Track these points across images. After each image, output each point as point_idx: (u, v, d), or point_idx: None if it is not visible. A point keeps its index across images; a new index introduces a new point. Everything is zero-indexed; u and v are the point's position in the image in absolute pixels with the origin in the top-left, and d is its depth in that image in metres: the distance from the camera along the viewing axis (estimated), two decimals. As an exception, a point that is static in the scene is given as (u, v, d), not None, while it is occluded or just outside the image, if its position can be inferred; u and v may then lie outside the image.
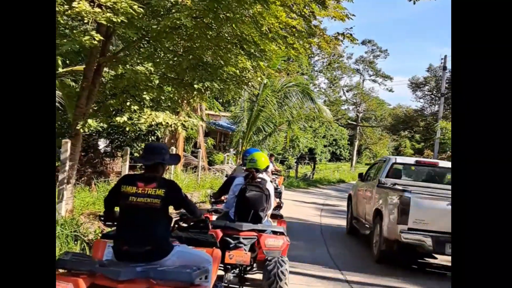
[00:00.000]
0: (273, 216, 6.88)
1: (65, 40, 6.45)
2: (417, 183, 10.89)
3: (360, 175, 12.81)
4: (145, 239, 3.85)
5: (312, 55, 53.88)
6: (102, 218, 4.43)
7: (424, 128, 48.51)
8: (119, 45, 10.98)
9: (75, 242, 6.94)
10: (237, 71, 9.23)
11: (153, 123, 8.08)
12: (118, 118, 7.94)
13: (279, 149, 38.46)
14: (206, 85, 8.63)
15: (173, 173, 16.02)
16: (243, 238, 5.71)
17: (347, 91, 70.85)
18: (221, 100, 30.07)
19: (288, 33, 9.11)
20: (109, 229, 4.66)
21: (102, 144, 17.41)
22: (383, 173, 10.75)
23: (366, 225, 10.75)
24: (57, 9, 5.91)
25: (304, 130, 41.44)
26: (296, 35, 9.19)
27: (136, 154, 15.45)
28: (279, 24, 8.60)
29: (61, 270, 3.61)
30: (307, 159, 49.24)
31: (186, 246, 4.25)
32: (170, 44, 8.69)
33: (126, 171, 10.99)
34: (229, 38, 8.42)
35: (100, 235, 7.04)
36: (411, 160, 12.57)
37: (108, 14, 6.39)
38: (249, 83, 10.26)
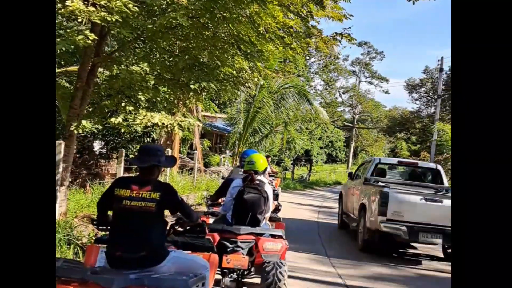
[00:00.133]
0: (271, 219, 6.75)
1: (58, 40, 6.30)
2: (399, 181, 12.49)
3: (350, 174, 14.35)
4: (139, 245, 3.71)
5: (310, 56, 53.83)
6: (95, 222, 4.27)
7: (421, 130, 48.49)
8: (114, 46, 10.85)
9: (68, 246, 6.80)
10: (234, 72, 9.13)
11: (148, 124, 7.95)
12: (113, 119, 7.81)
13: (275, 150, 38.38)
14: (202, 86, 8.53)
15: (169, 175, 15.87)
16: (241, 242, 5.58)
17: (343, 93, 70.83)
18: (217, 102, 30.00)
19: (285, 33, 9.02)
20: (103, 233, 4.52)
21: (97, 145, 17.28)
22: (368, 172, 11.94)
23: (354, 219, 11.84)
24: (50, 8, 5.77)
25: (300, 131, 41.39)
26: (293, 35, 9.10)
27: (131, 156, 15.29)
28: (276, 24, 8.51)
29: (51, 278, 3.47)
30: (303, 160, 49.11)
31: (182, 252, 4.10)
32: (166, 44, 8.58)
33: (121, 173, 10.85)
34: (225, 38, 8.33)
35: (94, 238, 6.89)
36: (394, 160, 14.64)
37: (103, 13, 6.28)
38: (246, 84, 10.15)
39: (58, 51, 6.58)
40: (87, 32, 6.55)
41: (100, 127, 14.31)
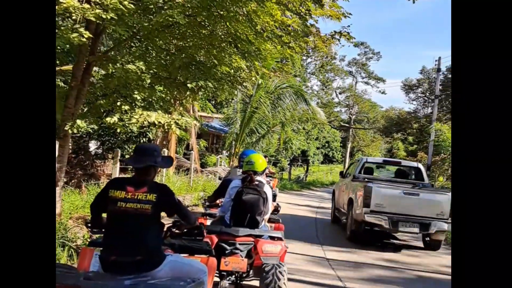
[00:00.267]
0: (270, 220, 6.62)
1: (52, 38, 6.16)
2: (383, 178, 14.27)
3: (341, 173, 15.96)
4: (134, 249, 3.55)
5: (308, 55, 53.81)
6: (89, 225, 4.12)
7: (418, 130, 48.46)
8: (109, 45, 10.72)
9: (62, 249, 6.65)
10: (231, 71, 9.02)
11: (145, 122, 7.80)
12: (108, 119, 7.67)
13: (272, 151, 38.26)
14: (199, 85, 8.40)
15: (165, 175, 15.74)
16: (240, 244, 5.44)
17: (340, 93, 70.93)
18: (213, 102, 29.88)
19: (283, 32, 8.91)
20: (98, 236, 4.37)
21: (93, 146, 17.14)
22: (356, 170, 13.54)
23: (344, 213, 13.10)
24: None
25: (297, 132, 41.33)
26: (292, 34, 8.98)
27: (127, 156, 15.15)
28: (274, 22, 8.40)
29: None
30: (300, 161, 49.07)
31: (180, 256, 3.95)
32: (162, 43, 8.46)
33: (116, 174, 10.69)
34: (223, 36, 8.22)
35: (89, 240, 6.74)
36: (380, 160, 17.25)
37: (97, 11, 6.18)
38: (244, 83, 10.03)
39: (53, 49, 6.43)
40: (81, 29, 6.42)
41: (96, 127, 14.22)
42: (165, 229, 4.03)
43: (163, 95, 9.13)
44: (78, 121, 7.52)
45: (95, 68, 8.62)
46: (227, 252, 5.39)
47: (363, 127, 70.60)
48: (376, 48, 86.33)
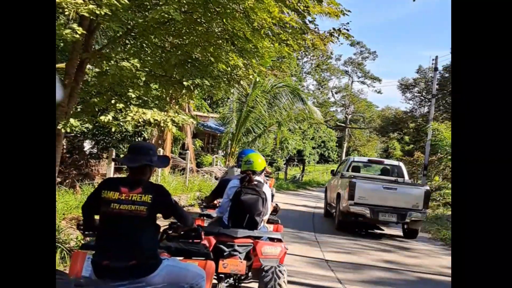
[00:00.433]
0: (269, 221, 6.47)
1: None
2: (369, 175, 16.42)
3: (332, 171, 17.63)
4: (128, 253, 3.37)
5: (306, 53, 53.70)
6: (81, 227, 3.93)
7: (414, 130, 48.32)
8: (104, 43, 10.55)
9: (55, 251, 6.47)
10: (228, 69, 8.86)
11: (140, 120, 7.63)
12: (102, 117, 7.49)
13: (268, 150, 38.15)
14: (195, 83, 8.24)
15: (161, 175, 15.57)
16: (238, 246, 5.28)
17: (336, 93, 70.90)
18: (209, 101, 29.73)
19: (281, 29, 8.76)
20: (91, 238, 4.18)
21: (87, 145, 16.95)
22: (345, 168, 15.79)
23: (334, 206, 14.74)
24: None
25: (293, 132, 41.23)
26: (290, 31, 8.83)
27: (122, 156, 14.96)
28: (271, 19, 8.24)
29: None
30: (295, 161, 48.96)
31: (176, 260, 3.77)
32: (157, 40, 8.29)
33: (111, 174, 10.52)
34: (219, 33, 8.06)
35: (81, 242, 6.55)
36: (365, 159, 18.96)
37: (91, 6, 5.99)
38: (240, 81, 9.86)
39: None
40: (74, 25, 6.25)
41: (90, 127, 14.04)
42: (161, 230, 3.87)
43: (159, 93, 8.96)
44: (72, 120, 7.34)
45: (88, 66, 8.43)
46: (225, 254, 5.24)
47: (359, 126, 70.62)
48: (372, 48, 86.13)
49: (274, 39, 8.69)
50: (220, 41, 8.17)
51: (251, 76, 9.60)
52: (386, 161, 17.59)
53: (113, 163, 10.50)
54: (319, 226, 14.27)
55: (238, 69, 9.08)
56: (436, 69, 29.55)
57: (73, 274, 3.65)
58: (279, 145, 37.86)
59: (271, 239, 5.46)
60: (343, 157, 62.51)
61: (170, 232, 3.97)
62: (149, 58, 8.29)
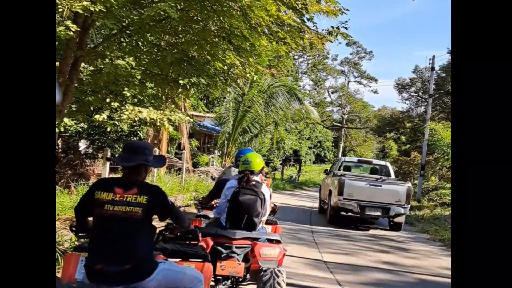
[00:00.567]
0: (267, 222, 6.35)
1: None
2: (357, 174, 17.76)
3: (325, 170, 19.12)
4: (123, 256, 3.25)
5: (304, 51, 53.60)
6: (74, 229, 3.79)
7: (411, 129, 48.27)
8: (99, 41, 10.43)
9: (48, 253, 6.31)
10: (225, 67, 8.75)
11: (136, 119, 7.51)
12: (97, 116, 7.38)
13: (265, 150, 38.04)
14: (192, 81, 8.13)
15: (156, 175, 15.43)
16: (236, 247, 5.16)
17: (332, 93, 70.86)
18: (205, 101, 29.59)
19: (279, 27, 8.64)
20: (85, 240, 4.04)
21: (82, 145, 16.85)
22: (336, 168, 17.12)
23: (326, 202, 16.01)
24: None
25: (289, 132, 41.15)
26: (288, 29, 8.71)
27: (117, 155, 14.83)
28: (269, 17, 8.12)
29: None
30: (292, 161, 48.88)
31: (173, 263, 3.64)
32: (153, 38, 8.18)
33: (106, 174, 10.35)
34: (216, 32, 7.95)
35: (76, 243, 6.42)
36: (355, 159, 21.08)
37: (85, 3, 5.90)
38: (238, 80, 9.76)
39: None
40: (68, 22, 6.13)
41: (85, 126, 13.92)
42: (156, 232, 3.74)
43: (154, 92, 8.84)
44: (66, 120, 7.23)
45: (83, 64, 8.30)
46: (223, 256, 5.12)
47: (356, 126, 70.64)
48: (368, 48, 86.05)
49: (271, 37, 8.58)
50: (217, 39, 8.08)
51: (248, 75, 9.50)
52: (374, 161, 19.57)
53: (108, 163, 10.33)
54: (315, 219, 16.06)
55: (235, 67, 8.99)
56: (433, 68, 29.42)
57: (66, 277, 3.52)
58: (276, 145, 37.73)
59: (270, 241, 5.35)
60: (343, 157, 62.73)
61: (167, 233, 3.85)
62: (144, 56, 8.19)
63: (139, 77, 8.22)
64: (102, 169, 10.94)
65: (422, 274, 8.88)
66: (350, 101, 68.00)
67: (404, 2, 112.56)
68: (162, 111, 8.27)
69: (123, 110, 7.52)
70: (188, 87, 8.47)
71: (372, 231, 14.22)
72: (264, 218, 5.66)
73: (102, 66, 7.57)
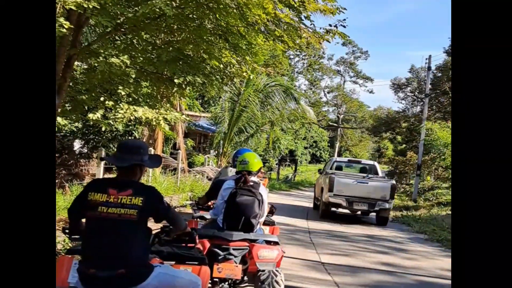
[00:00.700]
0: (265, 223, 6.24)
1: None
2: (348, 172, 18.89)
3: (319, 170, 20.67)
4: (117, 260, 3.12)
5: (301, 50, 53.59)
6: (67, 231, 3.66)
7: (407, 129, 48.22)
8: (94, 39, 10.29)
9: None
10: (221, 66, 8.63)
11: (132, 118, 7.37)
12: (91, 115, 7.23)
13: (260, 150, 37.94)
14: (187, 80, 8.00)
15: (151, 175, 15.30)
16: (233, 249, 5.08)
17: (328, 93, 70.85)
18: (200, 101, 29.47)
19: (276, 26, 8.53)
20: (77, 243, 3.91)
21: (77, 145, 16.68)
22: (328, 167, 18.48)
23: (319, 199, 17.51)
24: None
25: (285, 131, 41.06)
26: (285, 27, 8.60)
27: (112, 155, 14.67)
28: (266, 15, 8.01)
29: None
30: (287, 161, 48.79)
31: (169, 267, 3.51)
32: (148, 36, 8.05)
33: (100, 174, 10.21)
34: (212, 30, 7.83)
35: (70, 245, 6.28)
36: (345, 159, 22.79)
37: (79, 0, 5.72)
38: (234, 79, 9.64)
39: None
40: (61, 19, 5.99)
41: (80, 126, 13.77)
42: (152, 236, 3.62)
43: (149, 91, 8.71)
44: (59, 119, 7.09)
45: (76, 63, 8.16)
46: (220, 258, 5.05)
47: (351, 126, 70.69)
48: (364, 48, 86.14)
49: (268, 36, 8.47)
50: (213, 38, 7.95)
51: (244, 74, 9.38)
52: (363, 161, 21.01)
53: (102, 163, 10.19)
54: (311, 214, 17.63)
55: (232, 66, 8.87)
56: (429, 68, 29.42)
57: (58, 282, 3.38)
58: (272, 145, 37.63)
59: (268, 242, 5.28)
60: (335, 157, 62.80)
61: (162, 236, 3.72)
62: (139, 54, 8.05)
63: (133, 76, 8.08)
64: (97, 169, 10.81)
65: (421, 275, 8.77)
66: (346, 101, 68.06)
67: (399, 2, 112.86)
68: (157, 110, 8.13)
69: (118, 109, 7.37)
70: (183, 86, 8.34)
71: (369, 232, 14.06)
72: (262, 220, 5.56)
73: (96, 64, 7.42)
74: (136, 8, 7.16)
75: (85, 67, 8.35)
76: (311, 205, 20.70)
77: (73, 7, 5.78)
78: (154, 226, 3.64)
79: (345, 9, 9.15)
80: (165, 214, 3.45)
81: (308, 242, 11.16)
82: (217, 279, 5.02)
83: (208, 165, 22.96)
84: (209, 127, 29.95)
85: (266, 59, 20.78)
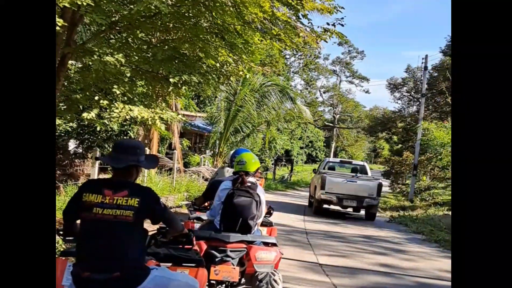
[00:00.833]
0: (262, 224, 6.16)
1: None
2: (340, 172, 19.94)
3: (314, 170, 21.79)
4: (112, 263, 3.02)
5: (298, 49, 53.61)
6: (61, 233, 3.55)
7: (403, 129, 48.24)
8: (88, 39, 10.18)
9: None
10: (217, 65, 8.54)
11: (127, 117, 7.26)
12: (85, 114, 7.12)
13: (257, 150, 37.88)
14: (183, 79, 7.90)
15: (147, 175, 15.18)
16: (231, 251, 4.97)
17: (324, 92, 70.83)
18: (196, 100, 29.36)
19: (273, 24, 8.45)
20: (72, 244, 3.81)
21: (72, 144, 16.55)
22: (321, 167, 19.54)
23: (313, 197, 18.84)
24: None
25: (281, 131, 41.01)
26: (282, 25, 8.51)
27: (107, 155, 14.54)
28: (263, 14, 7.92)
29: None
30: (283, 161, 48.74)
31: (166, 269, 3.40)
32: (143, 34, 7.96)
33: (95, 175, 10.09)
34: (208, 28, 7.74)
35: (64, 247, 6.17)
36: (338, 160, 24.23)
37: (73, -4, 5.63)
38: (230, 77, 9.55)
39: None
40: (55, 17, 5.88)
41: (75, 125, 13.65)
42: (148, 238, 3.52)
43: (145, 90, 8.60)
44: (53, 118, 6.96)
45: (71, 62, 8.05)
46: (217, 260, 4.92)
47: (347, 126, 70.76)
48: (360, 48, 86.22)
49: (265, 35, 8.39)
50: (209, 36, 7.88)
51: (241, 72, 9.29)
52: (354, 162, 22.23)
53: (97, 163, 10.07)
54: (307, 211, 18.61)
55: (228, 65, 8.78)
56: (425, 68, 29.43)
57: (51, 285, 3.28)
58: (268, 145, 37.58)
59: (266, 244, 5.16)
60: (331, 157, 62.88)
61: (159, 237, 3.62)
62: (134, 53, 7.95)
63: (129, 75, 7.99)
64: (91, 169, 10.69)
65: (420, 277, 8.67)
66: (342, 101, 68.09)
67: (395, 2, 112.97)
68: (153, 110, 8.02)
69: (113, 108, 7.27)
70: (179, 85, 8.27)
71: (366, 232, 14.01)
72: (260, 221, 5.46)
73: (90, 63, 7.32)
74: (131, 6, 7.06)
75: (80, 66, 8.23)
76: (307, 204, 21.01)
77: (67, 4, 5.69)
78: (150, 227, 3.54)
79: (342, 8, 9.09)
80: (162, 215, 3.36)
81: (305, 243, 11.07)
82: (214, 282, 4.91)
83: (204, 165, 22.87)
84: (205, 127, 29.85)
85: (262, 58, 20.70)
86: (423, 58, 29.16)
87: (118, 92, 7.69)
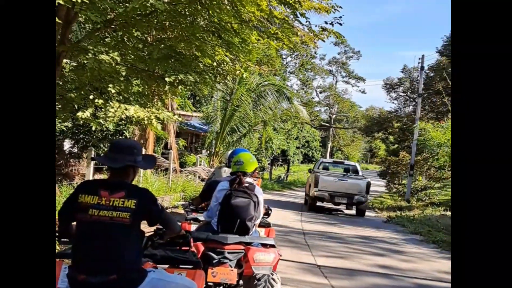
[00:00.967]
0: (260, 224, 6.07)
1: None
2: (331, 171, 21.44)
3: (309, 170, 23.76)
4: (108, 266, 2.94)
5: (295, 49, 53.52)
6: (57, 234, 3.46)
7: (400, 129, 48.24)
8: (83, 37, 10.07)
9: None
10: (214, 63, 8.44)
11: (123, 116, 7.15)
12: (79, 113, 7.01)
13: (253, 150, 37.81)
14: (179, 78, 7.80)
15: (142, 176, 15.08)
16: (228, 253, 4.90)
17: (320, 92, 70.82)
18: (192, 100, 29.28)
19: (270, 23, 8.37)
20: (67, 246, 3.72)
21: (67, 144, 16.45)
22: (316, 167, 21.15)
23: (308, 195, 20.28)
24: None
25: (278, 131, 40.95)
26: (280, 24, 8.43)
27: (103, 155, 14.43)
28: (260, 12, 7.84)
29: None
30: (280, 160, 48.67)
31: (163, 272, 3.33)
32: (139, 33, 7.85)
33: (90, 175, 9.98)
34: (205, 26, 7.64)
35: (58, 249, 6.07)
36: (331, 160, 26.70)
37: (67, -7, 5.52)
38: (227, 76, 9.45)
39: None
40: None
41: (70, 125, 13.54)
42: (145, 239, 3.43)
43: (140, 89, 8.50)
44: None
45: (65, 60, 7.94)
46: (214, 261, 4.85)
47: (343, 126, 70.80)
48: (356, 48, 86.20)
49: (263, 33, 8.31)
50: (206, 35, 7.79)
51: (238, 72, 9.20)
52: (346, 162, 24.50)
53: (92, 163, 9.96)
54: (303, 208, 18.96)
55: (225, 64, 8.69)
56: (422, 68, 29.42)
57: (47, 287, 3.19)
58: (264, 145, 37.53)
59: (264, 245, 5.09)
60: (328, 157, 62.98)
61: (156, 239, 3.54)
62: (130, 52, 7.85)
63: (124, 73, 7.88)
64: (86, 170, 10.58)
65: (419, 278, 8.61)
66: (338, 101, 68.06)
67: (392, 3, 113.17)
68: (149, 109, 7.92)
69: (108, 108, 7.16)
70: (175, 84, 8.16)
71: (363, 233, 13.96)
72: (258, 222, 5.39)
73: (85, 62, 7.22)
74: (127, 4, 6.96)
75: (74, 64, 8.12)
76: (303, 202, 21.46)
77: (61, 2, 5.57)
78: (147, 228, 3.46)
79: (340, 7, 9.01)
80: (159, 216, 3.28)
81: (303, 244, 11.00)
82: (211, 284, 4.83)
83: (200, 165, 22.78)
84: (201, 126, 29.78)
85: (259, 58, 20.66)
86: (419, 58, 29.20)
87: (113, 91, 7.60)
